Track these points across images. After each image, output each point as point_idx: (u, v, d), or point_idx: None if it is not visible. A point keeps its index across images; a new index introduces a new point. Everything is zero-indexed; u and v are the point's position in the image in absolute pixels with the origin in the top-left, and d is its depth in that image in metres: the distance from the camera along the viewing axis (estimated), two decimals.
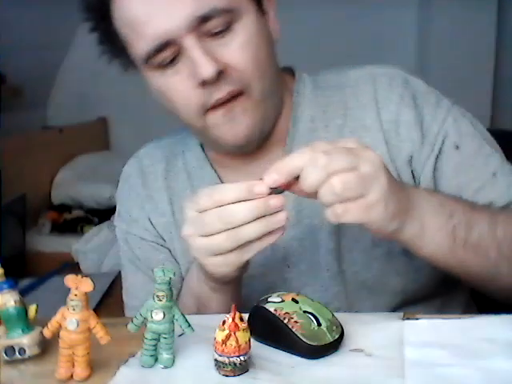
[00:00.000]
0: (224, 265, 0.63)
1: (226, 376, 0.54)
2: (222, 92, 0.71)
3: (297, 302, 0.60)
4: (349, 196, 0.58)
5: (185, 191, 0.85)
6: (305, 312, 0.59)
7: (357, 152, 0.60)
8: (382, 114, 0.79)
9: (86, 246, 2.26)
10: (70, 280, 0.54)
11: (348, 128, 0.80)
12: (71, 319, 0.54)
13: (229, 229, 0.60)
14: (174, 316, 0.56)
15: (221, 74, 0.70)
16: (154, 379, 0.55)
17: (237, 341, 0.53)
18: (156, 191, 0.87)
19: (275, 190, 0.60)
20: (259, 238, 0.61)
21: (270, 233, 0.61)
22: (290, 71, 0.86)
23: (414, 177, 0.78)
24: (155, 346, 0.57)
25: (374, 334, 0.60)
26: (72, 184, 2.56)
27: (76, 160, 2.73)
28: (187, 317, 0.57)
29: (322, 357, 0.57)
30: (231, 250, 0.62)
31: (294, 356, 0.57)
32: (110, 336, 0.55)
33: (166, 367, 0.57)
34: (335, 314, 0.61)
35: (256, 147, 0.79)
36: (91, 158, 2.79)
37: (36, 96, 2.72)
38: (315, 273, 0.80)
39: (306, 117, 0.81)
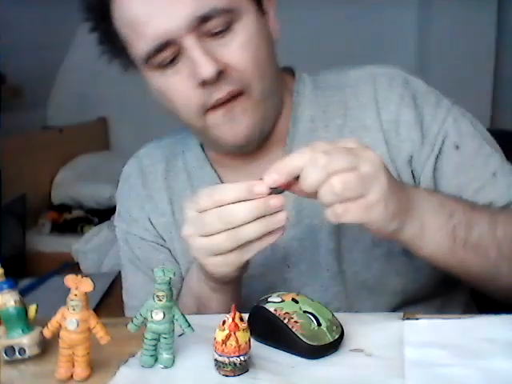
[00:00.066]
0: (224, 265, 0.63)
1: (226, 376, 0.54)
2: (222, 92, 0.71)
3: (297, 301, 0.60)
4: (349, 196, 0.58)
5: (185, 191, 0.85)
6: (305, 312, 0.59)
7: (357, 152, 0.60)
8: (381, 113, 0.79)
9: (86, 246, 2.26)
10: (70, 280, 0.54)
11: (348, 128, 0.80)
12: (71, 319, 0.54)
13: (229, 229, 0.60)
14: (173, 316, 0.56)
15: (221, 74, 0.70)
16: (154, 379, 0.55)
17: (237, 341, 0.53)
18: (156, 191, 0.87)
19: (275, 190, 0.60)
20: (259, 238, 0.61)
21: (270, 233, 0.61)
22: (289, 71, 0.86)
23: (413, 177, 0.78)
24: (155, 345, 0.57)
25: (374, 334, 0.60)
26: (72, 184, 2.56)
27: (76, 160, 2.73)
28: (187, 317, 0.57)
29: (322, 357, 0.57)
30: (231, 250, 0.62)
31: (294, 356, 0.57)
32: (109, 336, 0.55)
33: (166, 367, 0.57)
34: (335, 314, 0.61)
35: (256, 147, 0.79)
36: (91, 158, 2.79)
37: (36, 96, 2.72)
38: (315, 273, 0.80)
39: (306, 117, 0.81)
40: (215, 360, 0.54)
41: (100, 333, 0.55)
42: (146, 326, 0.56)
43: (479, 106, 2.51)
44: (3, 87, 2.34)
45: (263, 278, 0.80)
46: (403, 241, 0.66)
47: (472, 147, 0.78)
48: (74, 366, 0.55)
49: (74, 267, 2.17)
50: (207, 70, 0.69)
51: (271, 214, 0.60)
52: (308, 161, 0.58)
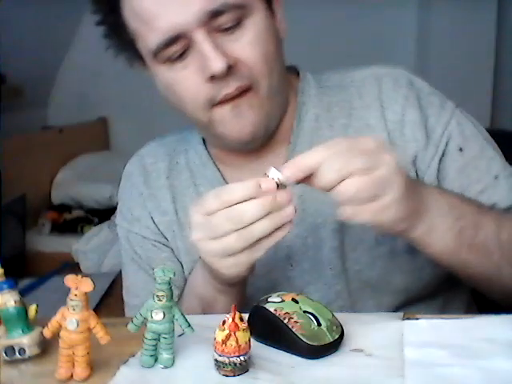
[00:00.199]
0: (235, 265, 0.63)
1: (226, 376, 0.54)
2: (230, 87, 0.71)
3: (297, 301, 0.60)
4: (362, 198, 0.59)
5: (187, 189, 0.85)
6: (305, 312, 0.59)
7: (374, 153, 0.60)
8: (386, 114, 0.79)
9: (86, 246, 2.25)
10: (70, 280, 0.54)
11: (352, 128, 0.80)
12: (71, 319, 0.54)
13: (238, 229, 0.60)
14: (174, 316, 0.56)
15: (230, 69, 0.70)
16: (154, 379, 0.55)
17: (237, 341, 0.53)
18: (158, 189, 0.87)
19: (281, 186, 0.60)
20: (268, 235, 0.61)
21: (277, 228, 0.61)
22: (294, 71, 0.86)
23: (417, 177, 0.78)
24: (155, 345, 0.57)
25: (374, 334, 0.60)
26: (72, 184, 2.56)
27: (76, 160, 2.73)
28: (187, 317, 0.57)
29: (322, 357, 0.57)
30: (242, 250, 0.61)
31: (294, 356, 0.57)
32: (109, 336, 0.55)
33: (165, 367, 0.57)
34: (335, 313, 0.61)
35: (260, 145, 0.79)
36: (91, 158, 2.79)
37: (36, 96, 2.72)
38: (318, 271, 0.80)
39: (310, 116, 0.81)
40: (215, 360, 0.54)
41: (100, 333, 0.55)
42: (146, 325, 0.56)
43: (479, 106, 2.52)
44: (3, 87, 2.34)
45: (266, 276, 0.80)
46: (411, 238, 0.66)
47: (475, 150, 0.78)
48: (74, 365, 0.55)
49: (74, 267, 2.17)
50: (217, 64, 0.69)
51: (279, 210, 0.60)
52: (326, 159, 0.58)
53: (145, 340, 0.56)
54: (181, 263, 0.86)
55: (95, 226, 2.40)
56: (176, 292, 0.80)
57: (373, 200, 0.59)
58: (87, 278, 0.54)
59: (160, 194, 0.87)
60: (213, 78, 0.70)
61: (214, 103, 0.73)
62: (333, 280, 0.80)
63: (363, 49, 2.54)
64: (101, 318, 0.56)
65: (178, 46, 0.71)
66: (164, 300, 0.55)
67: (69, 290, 0.54)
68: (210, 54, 0.69)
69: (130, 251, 0.89)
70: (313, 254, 0.80)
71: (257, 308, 0.61)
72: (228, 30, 0.71)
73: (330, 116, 0.81)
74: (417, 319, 0.63)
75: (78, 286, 0.54)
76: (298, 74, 0.85)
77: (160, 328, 0.56)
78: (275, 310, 0.59)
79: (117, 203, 0.94)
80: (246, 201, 0.60)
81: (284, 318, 0.58)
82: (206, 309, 0.74)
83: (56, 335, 0.56)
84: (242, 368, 0.54)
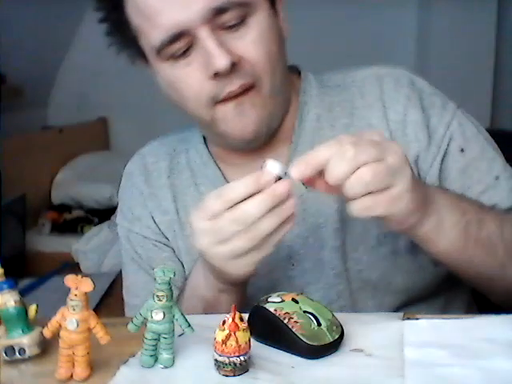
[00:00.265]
0: (245, 265, 0.63)
1: (226, 376, 0.54)
2: (234, 85, 0.71)
3: (297, 302, 0.60)
4: (377, 187, 0.58)
5: (188, 189, 0.85)
6: (305, 312, 0.59)
7: (382, 144, 0.60)
8: (388, 114, 0.79)
9: (86, 246, 2.26)
10: (70, 280, 0.54)
11: (354, 127, 0.80)
12: (71, 319, 0.54)
13: (244, 229, 0.60)
14: (174, 316, 0.56)
15: (234, 67, 0.70)
16: (154, 379, 0.55)
17: (237, 341, 0.53)
18: (159, 189, 0.87)
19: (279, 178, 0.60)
20: (274, 231, 0.61)
21: (281, 224, 0.61)
22: (295, 70, 0.86)
23: (420, 177, 0.78)
24: (155, 345, 0.57)
25: (374, 334, 0.60)
26: (72, 184, 2.56)
27: (76, 160, 2.73)
28: (187, 317, 0.57)
29: (322, 357, 0.57)
30: (250, 250, 0.61)
31: (294, 356, 0.57)
32: (109, 336, 0.55)
33: (165, 367, 0.57)
34: (335, 313, 0.61)
35: (262, 144, 0.79)
36: (91, 158, 2.79)
37: (36, 96, 2.72)
38: (319, 271, 0.80)
39: (312, 116, 0.82)
40: (215, 360, 0.54)
41: (100, 333, 0.55)
42: (145, 325, 0.56)
43: (479, 106, 2.52)
44: (3, 87, 2.34)
45: (267, 276, 0.80)
46: (419, 235, 0.66)
47: (476, 151, 0.79)
48: (74, 365, 0.55)
49: (74, 267, 2.17)
50: (221, 61, 0.69)
51: (281, 203, 0.60)
52: (335, 153, 0.58)
53: (145, 340, 0.56)
54: (181, 263, 0.86)
55: (95, 226, 2.40)
56: (176, 292, 0.80)
57: (387, 189, 0.59)
58: (87, 278, 0.54)
59: (161, 193, 0.86)
60: (216, 75, 0.70)
61: (217, 101, 0.73)
62: (334, 280, 0.80)
63: (363, 49, 2.54)
64: (101, 318, 0.56)
65: (181, 43, 0.71)
66: (164, 300, 0.55)
67: (69, 289, 0.54)
68: (213, 51, 0.69)
69: (131, 251, 0.89)
70: (314, 254, 0.80)
71: (257, 308, 0.61)
72: (232, 27, 0.71)
73: (331, 116, 0.81)
74: (417, 319, 0.63)
75: (78, 286, 0.54)
76: (299, 73, 0.86)
77: (160, 328, 0.56)
78: (275, 310, 0.59)
79: (117, 203, 0.94)
80: (247, 198, 0.60)
81: (284, 318, 0.58)
82: (208, 309, 0.73)
83: (56, 335, 0.56)
84: (242, 368, 0.54)
